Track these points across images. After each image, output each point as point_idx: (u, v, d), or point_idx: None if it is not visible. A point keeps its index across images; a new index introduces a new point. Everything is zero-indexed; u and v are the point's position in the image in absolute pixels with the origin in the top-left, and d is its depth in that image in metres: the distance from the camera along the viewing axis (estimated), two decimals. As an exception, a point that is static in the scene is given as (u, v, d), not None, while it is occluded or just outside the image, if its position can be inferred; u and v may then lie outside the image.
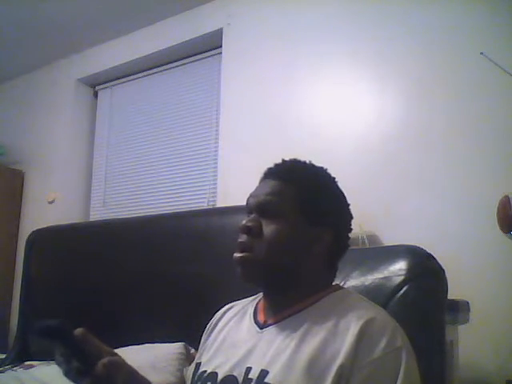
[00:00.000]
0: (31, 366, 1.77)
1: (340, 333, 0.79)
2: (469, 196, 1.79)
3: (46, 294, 2.06)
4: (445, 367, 1.06)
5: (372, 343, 0.76)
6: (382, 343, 0.76)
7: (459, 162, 1.85)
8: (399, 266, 1.06)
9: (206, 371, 0.91)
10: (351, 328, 0.78)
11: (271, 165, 0.96)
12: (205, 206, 2.61)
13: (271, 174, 0.94)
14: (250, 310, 0.97)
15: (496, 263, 1.70)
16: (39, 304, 2.06)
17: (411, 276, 1.04)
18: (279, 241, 0.87)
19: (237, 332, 0.94)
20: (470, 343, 1.50)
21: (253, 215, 0.90)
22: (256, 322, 0.93)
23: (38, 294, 2.09)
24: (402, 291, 1.03)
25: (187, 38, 2.78)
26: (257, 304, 0.98)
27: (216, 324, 1.03)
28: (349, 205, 0.97)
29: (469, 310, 1.43)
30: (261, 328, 0.90)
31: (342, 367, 0.75)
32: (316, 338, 0.80)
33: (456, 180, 1.84)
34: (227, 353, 0.91)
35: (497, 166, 1.76)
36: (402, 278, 1.04)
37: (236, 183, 2.38)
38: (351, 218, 0.97)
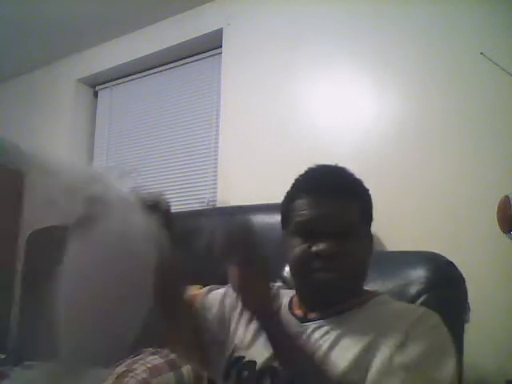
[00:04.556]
0: (31, 366, 1.77)
1: (386, 334, 0.81)
2: (469, 196, 1.79)
3: (46, 294, 2.06)
4: (462, 379, 1.04)
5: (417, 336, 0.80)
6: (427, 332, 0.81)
7: (459, 162, 1.85)
8: (419, 274, 1.05)
9: (243, 358, 0.92)
10: (398, 327, 0.81)
11: (313, 178, 0.97)
12: (205, 205, 2.61)
13: (333, 191, 0.91)
14: (285, 303, 0.98)
15: (496, 263, 1.69)
16: (39, 304, 2.06)
17: (431, 285, 1.03)
18: (361, 263, 0.91)
19: None
20: (470, 343, 1.49)
21: (327, 239, 0.88)
22: (292, 315, 0.94)
23: (38, 294, 2.09)
24: (420, 300, 1.02)
25: (187, 38, 2.78)
26: (291, 298, 0.99)
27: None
28: None
29: (469, 309, 1.43)
30: (302, 322, 0.91)
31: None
32: (364, 337, 0.82)
33: (456, 180, 1.84)
34: (264, 343, 0.90)
35: (496, 166, 1.76)
36: (421, 286, 1.03)
37: (236, 183, 2.38)
38: None
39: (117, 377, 1.43)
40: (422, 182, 1.91)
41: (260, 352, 0.89)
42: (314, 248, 0.87)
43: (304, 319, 0.91)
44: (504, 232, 1.50)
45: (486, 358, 1.64)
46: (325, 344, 0.84)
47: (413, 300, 1.02)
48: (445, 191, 1.85)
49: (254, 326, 0.95)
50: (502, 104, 1.79)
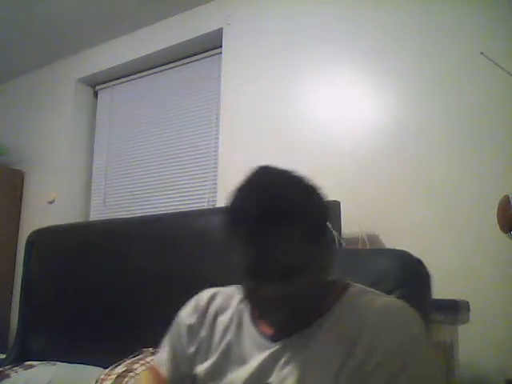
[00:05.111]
0: (31, 366, 1.77)
1: (359, 339, 0.76)
2: (469, 196, 1.79)
3: (46, 294, 2.06)
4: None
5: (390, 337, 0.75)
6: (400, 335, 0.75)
7: (459, 161, 1.85)
8: (388, 271, 1.04)
9: None
10: (369, 332, 0.75)
11: (259, 204, 0.76)
12: (205, 206, 2.61)
13: (275, 221, 0.73)
14: (246, 317, 0.90)
15: (496, 263, 1.69)
16: (39, 304, 2.06)
17: (401, 282, 1.02)
18: (320, 284, 0.80)
19: (240, 344, 0.88)
20: (470, 343, 1.50)
21: (275, 280, 0.74)
22: (261, 333, 0.86)
23: (38, 294, 2.09)
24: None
25: (187, 38, 2.78)
26: (252, 311, 0.90)
27: (204, 316, 0.95)
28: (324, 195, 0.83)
29: (469, 309, 1.43)
30: (272, 341, 0.83)
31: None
32: (337, 347, 0.77)
33: (456, 179, 1.84)
34: (233, 369, 0.86)
35: (497, 165, 1.76)
36: (391, 283, 1.02)
37: (236, 183, 2.38)
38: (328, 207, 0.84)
39: (117, 377, 1.43)
40: (422, 182, 1.91)
41: (229, 381, 0.84)
42: (262, 290, 0.76)
43: (274, 337, 0.83)
44: (504, 232, 1.50)
45: (486, 358, 1.64)
46: (296, 366, 0.79)
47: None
48: (445, 191, 1.85)
49: (216, 354, 0.89)
50: (502, 104, 1.79)
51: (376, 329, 0.74)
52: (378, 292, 0.85)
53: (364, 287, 0.86)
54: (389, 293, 0.99)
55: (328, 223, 0.82)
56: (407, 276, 1.04)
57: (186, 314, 0.98)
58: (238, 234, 0.77)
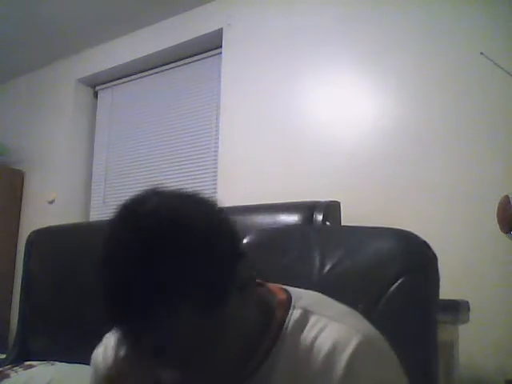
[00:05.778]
0: (31, 366, 1.77)
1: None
2: (469, 196, 1.79)
3: (46, 294, 2.06)
4: (438, 374, 0.92)
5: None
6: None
7: (459, 161, 1.85)
8: (394, 254, 0.94)
9: None
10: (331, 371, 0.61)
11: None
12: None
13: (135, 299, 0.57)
14: None
15: (496, 263, 1.70)
16: (39, 304, 2.06)
17: (409, 266, 0.91)
18: (236, 349, 0.64)
19: None
20: (470, 343, 1.50)
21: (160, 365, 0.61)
22: None
23: (38, 294, 2.09)
24: (397, 283, 0.89)
25: (187, 38, 2.78)
26: None
27: None
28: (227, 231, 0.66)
29: (469, 309, 1.43)
30: None
31: None
32: None
33: (456, 180, 1.84)
34: None
35: (497, 165, 1.76)
36: (398, 268, 0.91)
37: (236, 183, 2.38)
38: (234, 241, 0.66)
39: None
40: (422, 182, 1.91)
41: None
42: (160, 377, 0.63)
43: None
44: (504, 232, 1.50)
45: (486, 358, 1.64)
46: None
47: (389, 284, 0.89)
48: (444, 191, 1.85)
49: None
50: (502, 104, 1.79)
51: (335, 379, 0.60)
52: (321, 304, 0.70)
53: (307, 302, 0.69)
54: (396, 278, 0.89)
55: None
56: (414, 261, 0.93)
57: (104, 362, 0.74)
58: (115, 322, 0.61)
